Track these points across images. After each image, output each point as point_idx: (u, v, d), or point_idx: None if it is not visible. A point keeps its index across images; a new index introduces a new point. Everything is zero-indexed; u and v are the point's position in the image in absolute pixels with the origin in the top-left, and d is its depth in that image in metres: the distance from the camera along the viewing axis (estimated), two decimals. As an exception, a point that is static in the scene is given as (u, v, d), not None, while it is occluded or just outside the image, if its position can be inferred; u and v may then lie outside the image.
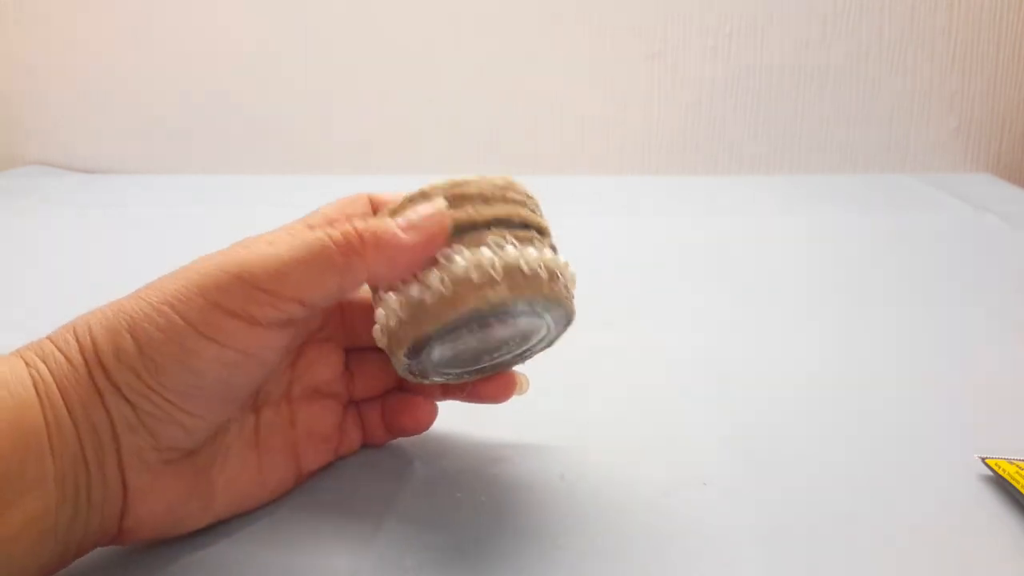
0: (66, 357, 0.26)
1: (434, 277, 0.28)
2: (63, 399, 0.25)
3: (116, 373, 0.26)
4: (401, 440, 0.36)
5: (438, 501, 0.31)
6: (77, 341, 0.26)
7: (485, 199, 0.29)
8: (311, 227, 0.28)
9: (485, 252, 0.28)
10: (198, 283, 0.26)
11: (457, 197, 0.29)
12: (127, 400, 0.26)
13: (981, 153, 0.94)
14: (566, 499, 0.31)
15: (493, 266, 0.28)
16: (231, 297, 0.26)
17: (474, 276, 0.28)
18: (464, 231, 0.29)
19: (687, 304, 0.54)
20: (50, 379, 0.26)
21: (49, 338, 0.27)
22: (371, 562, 0.28)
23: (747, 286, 0.57)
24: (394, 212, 0.29)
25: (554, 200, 0.91)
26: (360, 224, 0.28)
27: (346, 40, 0.98)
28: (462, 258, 0.28)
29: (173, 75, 1.01)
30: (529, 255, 0.29)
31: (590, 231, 0.71)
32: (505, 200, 0.30)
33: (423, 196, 0.29)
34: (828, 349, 0.46)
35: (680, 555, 0.28)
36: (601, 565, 0.28)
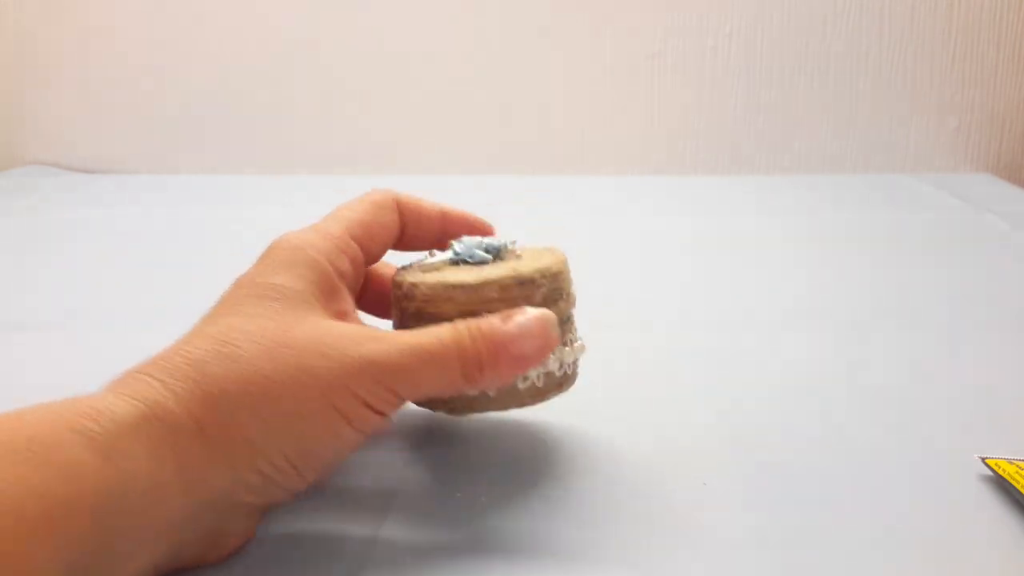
0: (199, 426, 0.25)
1: (532, 370, 0.31)
2: (182, 468, 0.25)
3: (262, 451, 0.26)
4: (401, 440, 0.36)
5: (438, 501, 0.31)
6: (215, 416, 0.25)
7: (568, 291, 0.33)
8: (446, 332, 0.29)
9: (567, 352, 0.32)
10: (343, 373, 0.27)
11: (555, 290, 0.32)
12: (262, 473, 0.26)
13: (981, 153, 0.94)
14: (565, 499, 0.31)
15: (570, 365, 0.33)
16: (373, 396, 0.27)
17: (557, 373, 0.32)
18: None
19: (687, 304, 0.54)
20: (168, 452, 0.24)
21: (167, 388, 0.25)
22: (372, 562, 0.28)
23: (747, 286, 0.57)
24: (504, 289, 0.31)
25: (555, 200, 0.91)
26: (485, 351, 0.28)
27: (347, 41, 0.98)
28: (553, 356, 0.31)
29: (173, 75, 1.01)
30: (580, 350, 0.33)
31: (590, 231, 0.71)
32: (570, 283, 0.33)
33: (532, 286, 0.31)
34: (828, 349, 0.46)
35: (680, 555, 0.28)
36: (601, 565, 0.28)
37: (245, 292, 0.29)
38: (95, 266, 0.64)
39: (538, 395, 0.32)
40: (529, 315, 0.29)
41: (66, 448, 0.22)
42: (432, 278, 0.31)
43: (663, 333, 0.48)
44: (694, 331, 0.49)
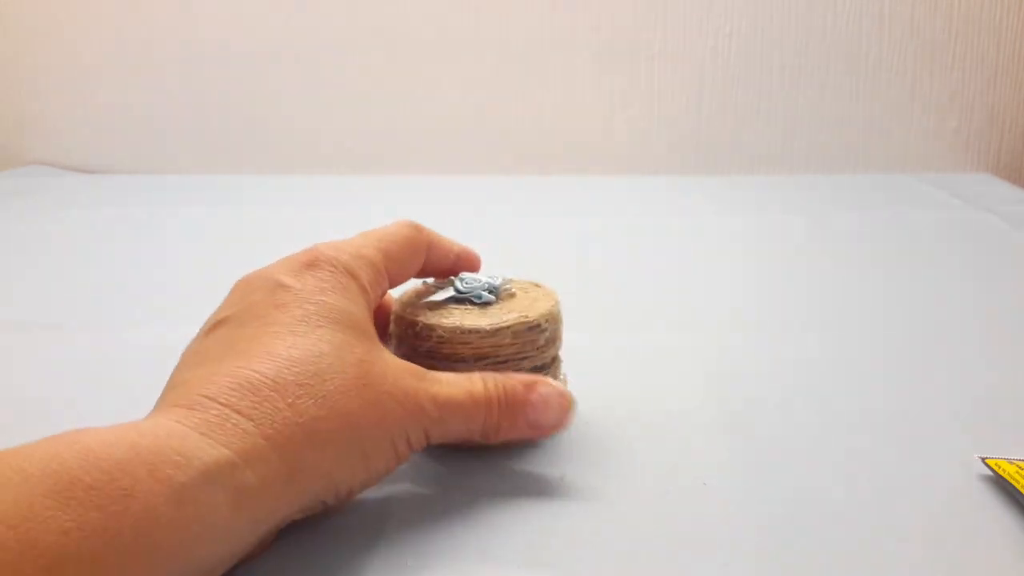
0: (288, 470, 0.25)
1: None
2: (259, 510, 0.25)
3: (336, 484, 0.27)
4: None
5: (439, 502, 0.31)
6: (305, 457, 0.26)
7: (561, 332, 0.36)
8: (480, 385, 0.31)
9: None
10: (406, 417, 0.29)
11: (554, 331, 0.35)
12: (325, 502, 0.27)
13: (981, 153, 0.94)
14: (566, 500, 0.31)
15: None
16: (416, 439, 0.30)
17: None
18: (549, 367, 0.35)
19: (687, 304, 0.54)
20: (249, 500, 0.24)
21: (263, 435, 0.25)
22: (373, 563, 0.28)
23: (747, 286, 0.57)
24: (516, 335, 0.33)
25: (554, 200, 0.91)
26: (507, 416, 0.31)
27: (346, 41, 0.98)
28: None
29: (173, 75, 1.01)
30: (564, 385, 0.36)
31: (590, 231, 0.71)
32: (562, 323, 0.36)
33: (538, 331, 0.34)
34: (828, 349, 0.46)
35: (680, 555, 0.28)
36: (601, 565, 0.28)
37: (313, 311, 0.29)
38: (95, 266, 0.64)
39: None
40: (552, 390, 0.32)
41: (146, 497, 0.22)
42: (447, 321, 0.33)
43: (662, 333, 0.48)
44: (694, 331, 0.49)
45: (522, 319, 0.34)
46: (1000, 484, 0.31)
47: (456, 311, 0.34)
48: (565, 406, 0.32)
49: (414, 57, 0.98)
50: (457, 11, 0.96)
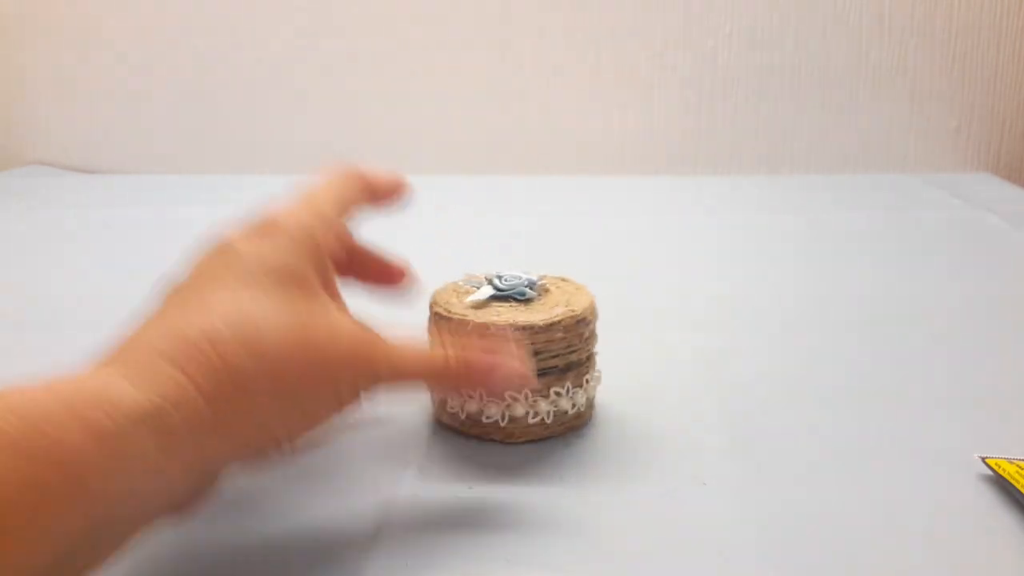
0: (219, 419, 0.25)
1: (544, 406, 0.35)
2: (190, 456, 0.25)
3: (272, 435, 0.27)
4: (402, 442, 0.36)
5: (438, 502, 0.31)
6: (239, 409, 0.26)
7: (586, 336, 0.35)
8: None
9: (579, 393, 0.35)
10: (354, 370, 0.28)
11: (578, 329, 0.34)
12: (262, 451, 0.27)
13: (981, 153, 0.94)
14: (566, 499, 0.31)
15: (583, 404, 0.36)
16: (364, 391, 0.29)
17: (570, 412, 0.35)
18: (570, 368, 0.35)
19: (687, 304, 0.54)
20: (179, 445, 0.24)
21: (196, 386, 0.25)
22: (373, 561, 0.28)
23: (747, 286, 0.57)
24: (567, 328, 0.34)
25: (555, 200, 0.91)
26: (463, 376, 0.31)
27: (346, 41, 0.98)
28: (566, 397, 0.35)
29: (173, 76, 1.01)
30: (597, 381, 0.37)
31: (590, 231, 0.71)
32: (592, 329, 0.36)
33: (584, 324, 0.35)
34: (828, 349, 0.46)
35: (680, 555, 0.28)
36: (601, 564, 0.28)
37: (258, 268, 0.29)
38: (95, 266, 0.64)
39: (548, 430, 0.35)
40: (513, 369, 0.31)
41: (73, 444, 0.22)
42: (500, 319, 0.34)
43: (662, 333, 0.48)
44: (692, 330, 0.49)
45: (570, 313, 0.34)
46: (1000, 484, 0.31)
47: (502, 308, 0.35)
48: (523, 381, 0.32)
49: (414, 57, 0.98)
50: (457, 11, 0.96)
